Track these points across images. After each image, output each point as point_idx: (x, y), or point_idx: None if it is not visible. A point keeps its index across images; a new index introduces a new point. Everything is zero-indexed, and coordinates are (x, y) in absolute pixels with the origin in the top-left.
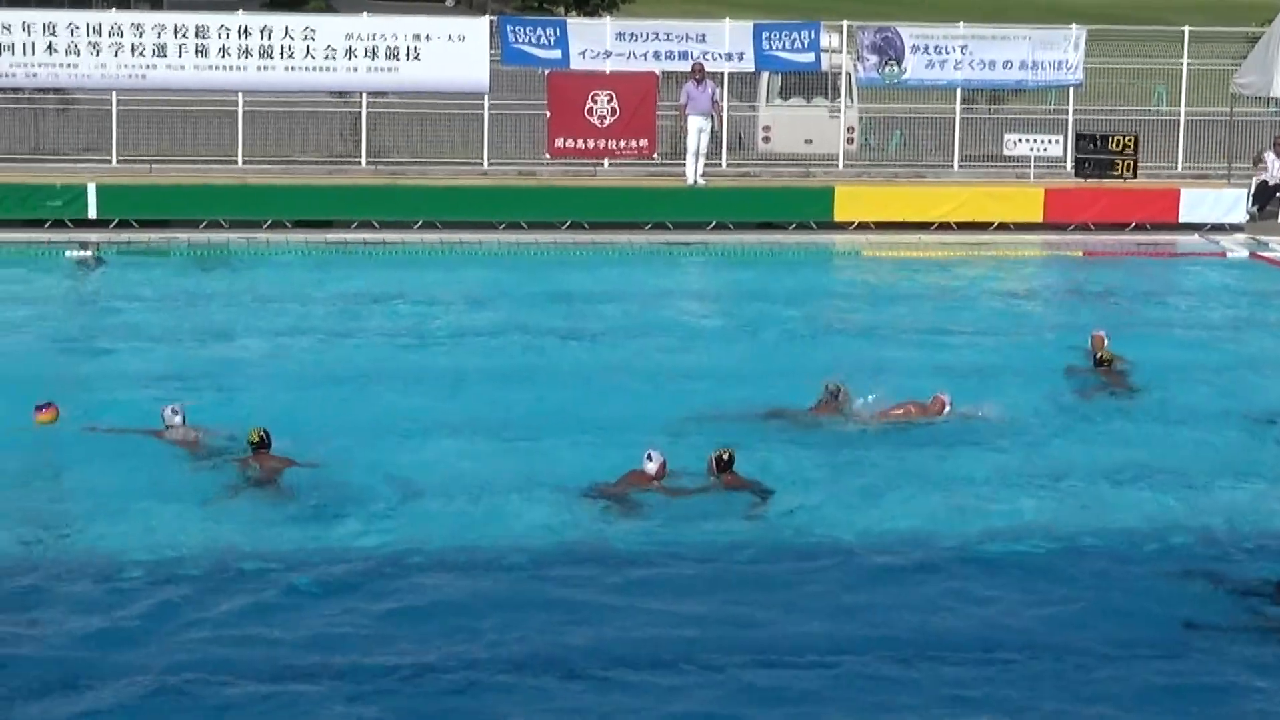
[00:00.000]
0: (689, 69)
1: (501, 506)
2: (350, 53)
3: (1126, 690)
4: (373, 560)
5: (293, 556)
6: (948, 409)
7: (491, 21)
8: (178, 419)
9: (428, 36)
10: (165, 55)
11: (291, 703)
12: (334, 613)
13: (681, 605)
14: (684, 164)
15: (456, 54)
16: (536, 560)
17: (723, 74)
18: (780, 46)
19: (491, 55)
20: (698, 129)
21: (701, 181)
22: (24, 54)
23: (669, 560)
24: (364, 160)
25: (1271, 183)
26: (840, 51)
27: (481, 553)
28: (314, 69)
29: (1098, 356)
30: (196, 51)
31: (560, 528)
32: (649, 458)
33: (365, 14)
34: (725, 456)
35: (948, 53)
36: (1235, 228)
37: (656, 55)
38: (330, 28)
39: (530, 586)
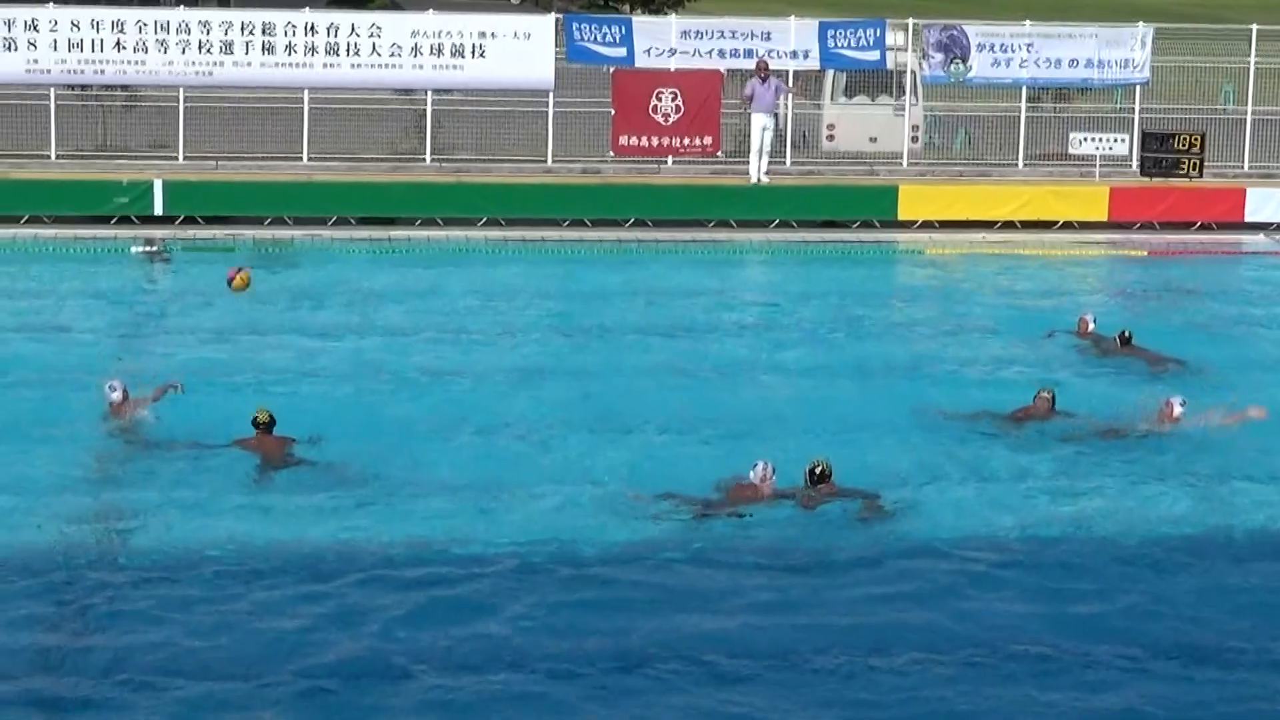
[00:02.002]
0: (753, 66)
1: (545, 502)
2: (416, 50)
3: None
4: (401, 551)
5: (287, 545)
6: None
7: (557, 19)
8: (115, 395)
9: (493, 34)
10: (232, 53)
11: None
12: (355, 603)
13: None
14: (747, 162)
15: (522, 51)
16: (580, 564)
17: (788, 72)
18: (845, 44)
19: (556, 53)
20: (762, 127)
21: (766, 179)
22: (92, 50)
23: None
24: (429, 157)
25: None
26: (905, 49)
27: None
28: (380, 66)
29: (1121, 335)
30: (263, 49)
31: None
32: (755, 468)
33: (431, 11)
34: (818, 470)
35: (1013, 51)
36: None
37: (721, 53)
38: (396, 25)
39: (570, 588)
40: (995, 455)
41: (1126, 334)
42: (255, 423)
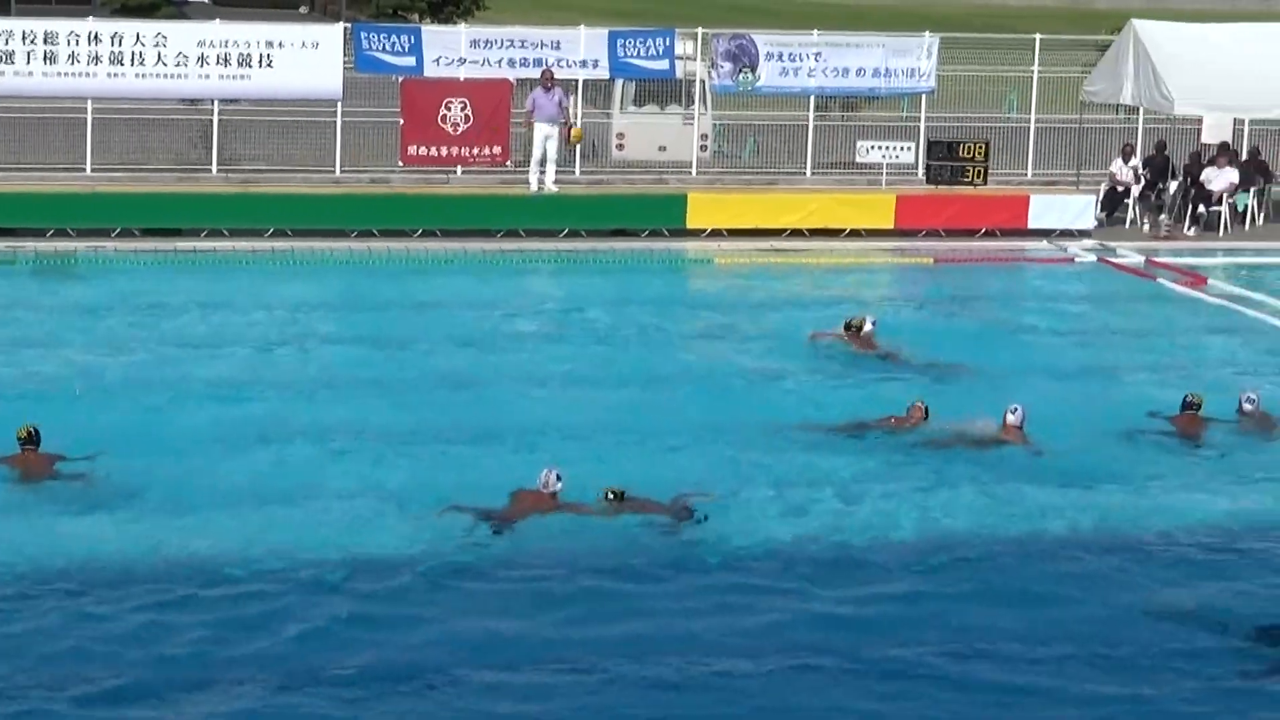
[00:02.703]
0: (539, 76)
1: (333, 514)
2: (202, 60)
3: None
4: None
5: (45, 563)
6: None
7: (345, 29)
8: None
9: (280, 43)
10: (13, 62)
11: None
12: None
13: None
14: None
15: (309, 61)
16: (373, 574)
17: (577, 81)
18: (635, 54)
19: (345, 62)
20: (544, 136)
21: (554, 188)
22: None
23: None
24: (215, 168)
25: (1120, 189)
26: (694, 59)
27: (322, 565)
28: (165, 76)
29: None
30: (45, 58)
31: (398, 541)
32: (541, 476)
33: (218, 21)
34: (612, 494)
35: (801, 60)
36: (1084, 233)
37: (511, 62)
38: (182, 34)
39: (350, 603)
40: (800, 462)
41: (855, 325)
42: (18, 438)
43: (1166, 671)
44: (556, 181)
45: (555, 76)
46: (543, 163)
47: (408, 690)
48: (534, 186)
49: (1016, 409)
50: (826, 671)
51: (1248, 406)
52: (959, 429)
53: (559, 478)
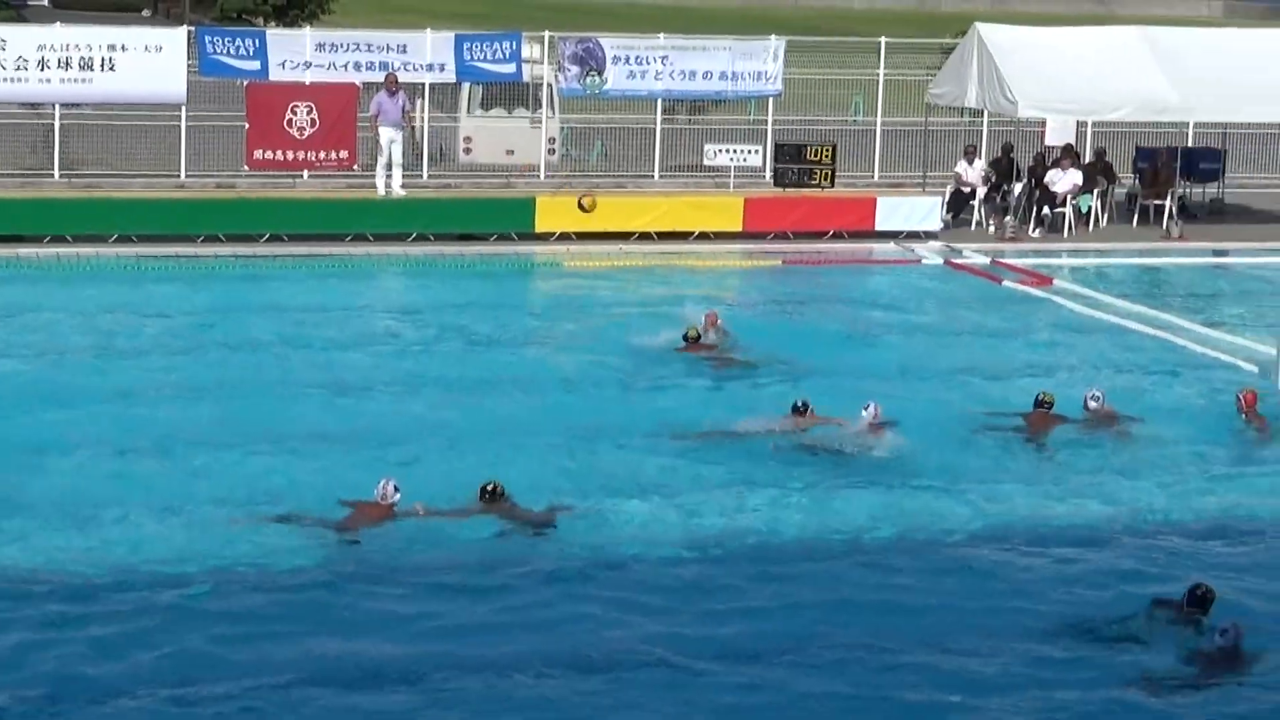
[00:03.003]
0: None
1: (168, 526)
2: (43, 64)
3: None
4: None
5: None
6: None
7: (189, 32)
8: None
9: (123, 47)
10: None
11: None
12: None
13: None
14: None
15: (153, 65)
16: (205, 587)
17: (424, 85)
18: (481, 57)
19: (189, 66)
20: (389, 140)
21: (401, 192)
22: None
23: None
24: (57, 173)
25: (965, 190)
26: (542, 62)
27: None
28: (5, 80)
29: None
30: None
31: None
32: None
33: (58, 24)
34: (490, 489)
35: (649, 63)
36: (930, 235)
37: (357, 66)
38: (22, 38)
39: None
40: (649, 466)
41: (693, 333)
42: None
43: (1008, 672)
44: (404, 185)
45: (400, 80)
46: (389, 166)
47: (245, 705)
48: (381, 190)
49: (870, 405)
50: (676, 678)
51: (1093, 404)
52: (815, 426)
53: (396, 489)
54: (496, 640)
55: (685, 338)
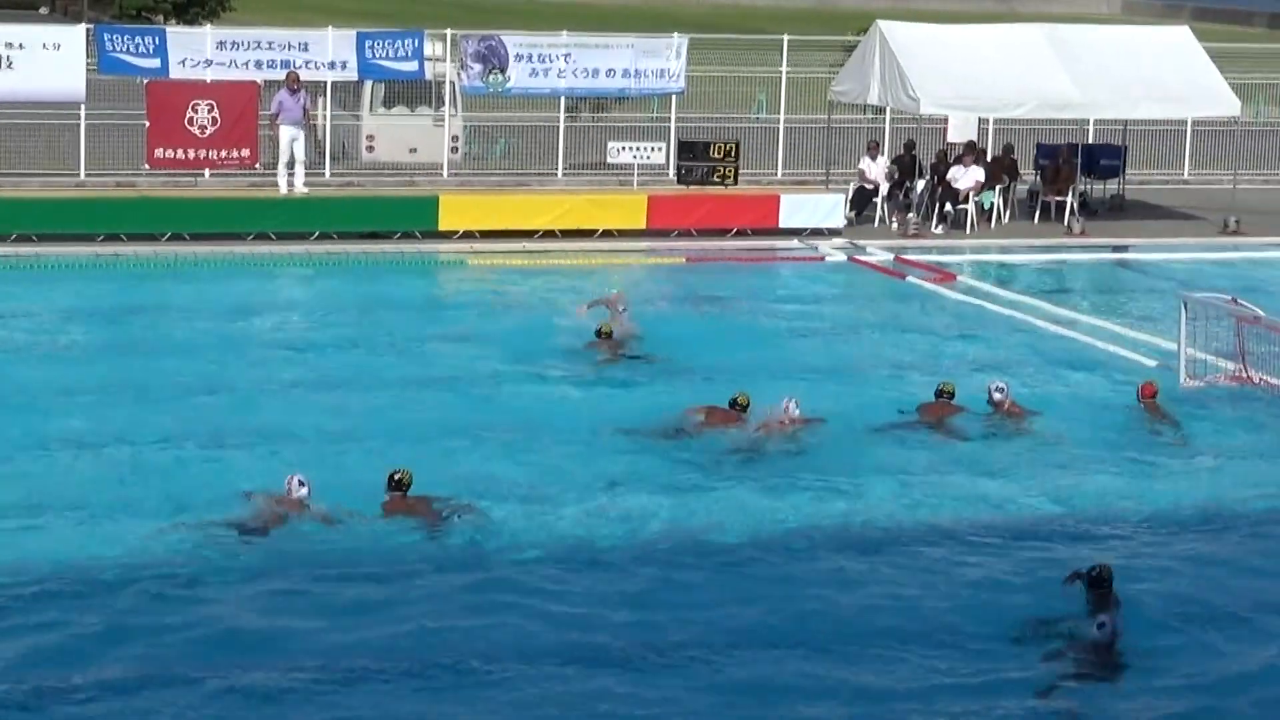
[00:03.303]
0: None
1: (74, 525)
2: None
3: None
4: None
5: None
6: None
7: (88, 30)
8: None
9: (21, 45)
10: None
11: None
12: None
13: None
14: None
15: (51, 63)
16: (114, 586)
17: (326, 83)
18: (383, 55)
19: (88, 64)
20: (290, 138)
21: (304, 190)
22: None
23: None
24: None
25: (868, 187)
26: (444, 60)
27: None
28: None
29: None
30: None
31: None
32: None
33: None
34: (398, 478)
35: (551, 61)
36: (834, 232)
37: (258, 64)
38: None
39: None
40: (549, 465)
41: (606, 329)
42: None
43: (905, 662)
44: (306, 183)
45: (302, 78)
46: (291, 165)
47: (162, 701)
48: (283, 189)
49: (787, 400)
50: (586, 670)
51: (997, 396)
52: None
53: (302, 483)
54: (394, 637)
55: (598, 333)
